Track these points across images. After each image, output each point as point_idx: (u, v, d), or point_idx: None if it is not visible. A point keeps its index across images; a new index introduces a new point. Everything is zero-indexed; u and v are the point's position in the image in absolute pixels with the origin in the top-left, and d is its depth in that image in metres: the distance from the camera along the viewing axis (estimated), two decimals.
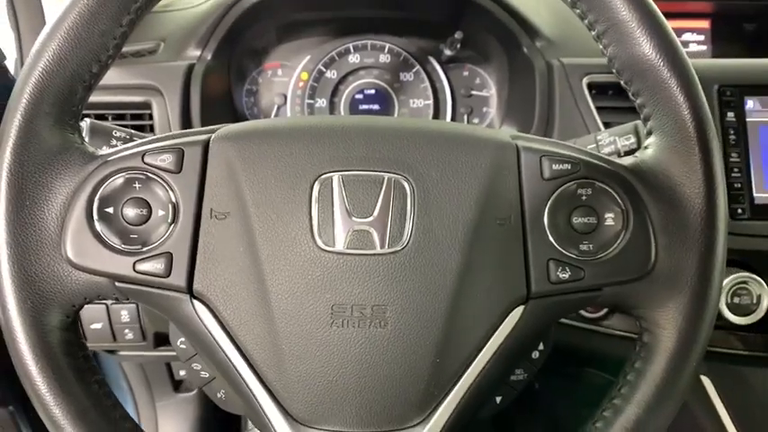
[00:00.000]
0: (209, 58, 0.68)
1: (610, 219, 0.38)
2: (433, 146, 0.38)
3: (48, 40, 0.36)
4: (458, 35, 0.72)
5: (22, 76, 0.36)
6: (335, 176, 0.36)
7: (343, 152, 0.37)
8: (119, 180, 0.37)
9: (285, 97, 0.78)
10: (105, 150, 0.38)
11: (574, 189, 0.38)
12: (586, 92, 0.64)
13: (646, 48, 0.38)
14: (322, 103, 0.77)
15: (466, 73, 0.79)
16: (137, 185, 0.37)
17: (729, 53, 0.87)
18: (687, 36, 0.89)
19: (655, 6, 0.39)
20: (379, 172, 0.37)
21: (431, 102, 0.77)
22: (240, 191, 0.36)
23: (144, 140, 0.39)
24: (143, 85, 0.66)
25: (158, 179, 0.37)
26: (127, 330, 0.65)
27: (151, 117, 0.66)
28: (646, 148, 0.40)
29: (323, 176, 0.36)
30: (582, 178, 0.39)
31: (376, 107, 0.79)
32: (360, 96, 0.78)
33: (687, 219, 0.38)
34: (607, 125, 0.63)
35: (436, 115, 0.78)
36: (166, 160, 0.37)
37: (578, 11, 0.40)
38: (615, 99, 0.64)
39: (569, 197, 0.38)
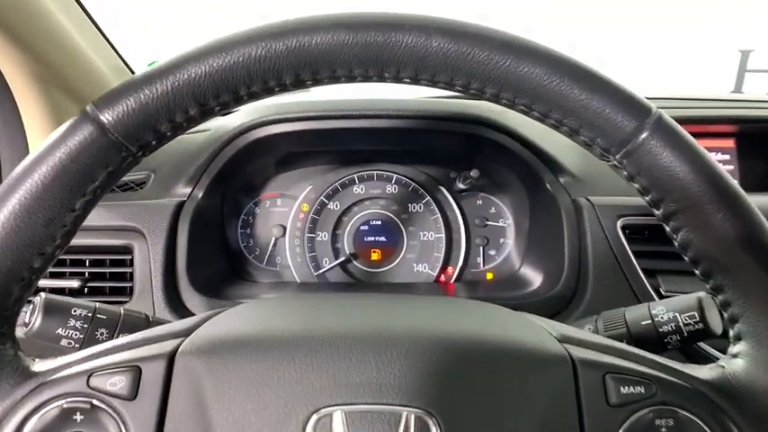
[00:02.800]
0: (200, 195, 0.62)
1: None
2: (464, 365, 0.30)
3: None
4: (474, 173, 0.66)
5: None
6: (337, 413, 0.28)
7: (348, 376, 0.29)
8: (55, 410, 0.28)
9: (284, 229, 0.71)
10: (43, 365, 0.30)
11: (650, 419, 0.29)
12: (621, 235, 0.57)
13: (730, 237, 0.30)
14: (323, 236, 0.71)
15: (480, 202, 0.73)
16: (78, 417, 0.28)
17: (756, 172, 0.82)
18: (713, 155, 0.84)
19: (733, 182, 0.32)
20: (395, 406, 0.28)
21: (442, 235, 0.70)
22: (210, 429, 0.28)
23: (93, 353, 0.31)
24: (125, 227, 0.59)
25: (106, 408, 0.28)
26: None
27: (132, 263, 0.59)
28: (734, 356, 0.32)
29: (320, 412, 0.28)
30: (660, 404, 0.30)
31: (383, 239, 0.72)
32: (365, 228, 0.72)
33: None
34: (646, 272, 0.56)
35: (449, 248, 0.71)
36: (117, 384, 0.29)
37: (637, 186, 0.33)
38: (652, 243, 0.57)
39: (645, 430, 0.29)
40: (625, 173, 0.33)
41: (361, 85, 0.39)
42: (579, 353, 0.31)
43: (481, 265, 0.72)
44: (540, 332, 0.33)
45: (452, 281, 0.71)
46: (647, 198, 0.32)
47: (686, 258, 0.32)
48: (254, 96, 0.31)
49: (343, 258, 0.70)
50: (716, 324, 0.41)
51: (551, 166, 0.62)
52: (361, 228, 0.72)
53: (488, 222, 0.73)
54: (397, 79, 0.32)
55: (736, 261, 0.30)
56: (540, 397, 0.29)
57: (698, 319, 0.41)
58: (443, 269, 0.71)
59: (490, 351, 0.30)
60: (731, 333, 0.32)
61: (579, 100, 0.31)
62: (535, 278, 0.64)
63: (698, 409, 0.30)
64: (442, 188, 0.72)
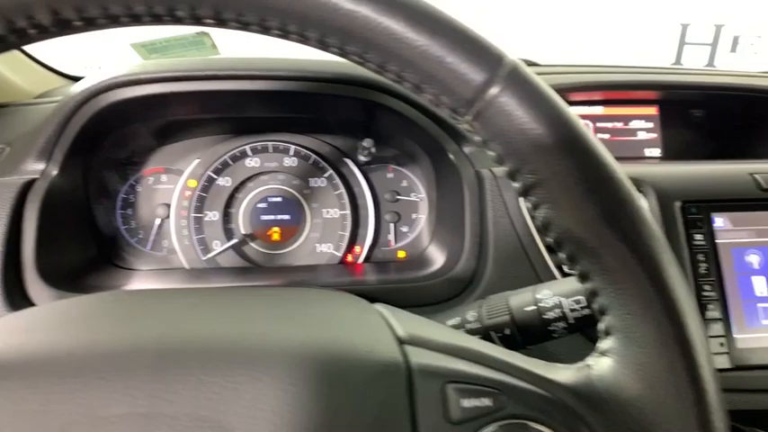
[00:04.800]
0: (54, 172, 0.53)
1: None
2: (269, 381, 0.24)
3: None
4: (366, 143, 0.60)
5: None
6: None
7: (105, 407, 0.22)
8: None
9: (169, 208, 0.63)
10: None
11: None
12: (523, 208, 0.52)
13: (596, 214, 0.26)
14: (213, 216, 0.63)
15: (390, 175, 0.67)
16: None
17: (678, 140, 0.79)
18: (636, 123, 0.81)
19: (602, 148, 0.27)
20: None
21: (347, 212, 0.64)
22: None
23: None
24: None
25: None
26: None
27: None
28: (603, 354, 0.28)
29: None
30: (509, 418, 0.25)
31: (286, 217, 0.65)
32: (263, 205, 0.65)
33: None
34: (550, 250, 0.52)
35: (355, 225, 0.65)
36: None
37: (493, 153, 0.28)
38: None
39: None
40: (478, 137, 0.27)
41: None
42: (420, 357, 0.26)
43: (392, 242, 0.67)
44: (382, 332, 0.28)
45: (360, 260, 0.66)
46: (505, 168, 0.27)
47: (549, 240, 0.27)
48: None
49: (235, 240, 0.63)
50: None
51: (454, 135, 0.56)
52: (259, 205, 0.65)
53: (400, 197, 0.67)
54: (193, 19, 0.25)
55: (603, 242, 0.25)
56: (367, 414, 0.24)
57: (584, 304, 0.37)
58: (350, 248, 0.65)
59: (308, 362, 0.25)
60: (601, 327, 0.28)
61: (417, 47, 0.25)
62: (439, 257, 0.59)
63: (553, 421, 0.25)
64: (347, 161, 0.65)
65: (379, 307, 0.32)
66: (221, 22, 0.26)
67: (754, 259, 0.51)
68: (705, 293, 0.49)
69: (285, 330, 0.28)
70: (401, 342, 0.28)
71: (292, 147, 0.64)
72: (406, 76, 0.27)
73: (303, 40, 0.27)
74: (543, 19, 2.26)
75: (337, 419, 0.24)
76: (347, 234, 0.64)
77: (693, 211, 0.51)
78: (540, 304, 0.38)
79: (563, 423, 0.26)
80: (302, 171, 0.64)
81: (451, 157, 0.56)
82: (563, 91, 0.74)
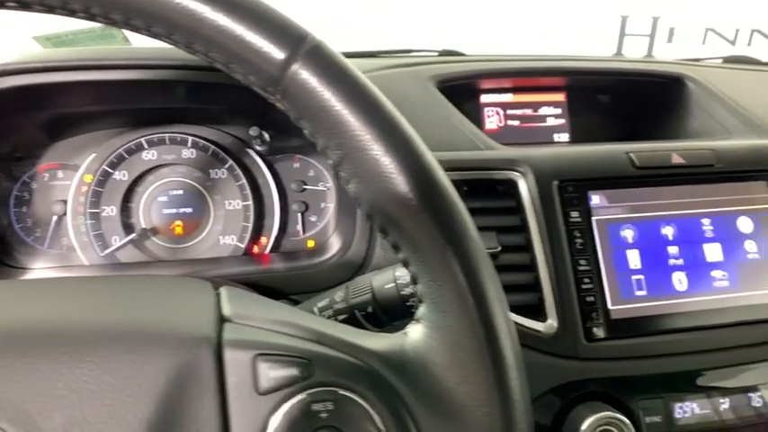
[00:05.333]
0: None
1: None
2: (62, 353, 0.24)
3: None
4: (253, 131, 0.60)
5: None
6: None
7: None
8: None
9: (66, 205, 0.62)
10: None
11: (307, 404, 0.25)
12: None
13: (398, 184, 0.26)
14: (111, 211, 0.62)
15: (297, 165, 0.67)
16: None
17: (586, 125, 0.82)
18: (544, 110, 0.84)
19: (401, 120, 0.28)
20: None
21: (250, 203, 0.64)
22: None
23: None
24: None
25: None
26: None
27: None
28: (417, 321, 0.29)
29: None
30: (318, 385, 0.26)
31: (188, 210, 0.65)
32: (164, 199, 0.64)
33: None
34: None
35: (260, 216, 0.65)
36: None
37: (306, 131, 0.28)
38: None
39: (302, 418, 0.25)
40: (291, 115, 0.28)
41: None
42: (234, 333, 0.26)
43: (301, 232, 0.67)
44: (205, 312, 0.28)
45: (267, 251, 0.66)
46: (318, 146, 0.28)
47: (362, 213, 0.28)
48: None
49: (134, 235, 0.62)
50: None
51: None
52: (160, 199, 0.64)
53: (307, 186, 0.67)
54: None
55: (406, 213, 0.26)
56: (172, 388, 0.24)
57: None
58: (255, 240, 0.65)
59: (109, 340, 0.25)
60: (416, 295, 0.29)
61: (218, 27, 0.26)
62: (337, 243, 0.60)
63: (362, 388, 0.26)
64: (250, 151, 0.65)
65: (225, 290, 0.32)
66: (26, 6, 0.26)
67: (628, 234, 0.53)
68: (581, 267, 0.51)
69: (103, 314, 0.28)
70: (223, 320, 0.28)
71: (190, 138, 0.63)
72: (213, 56, 0.27)
73: (110, 22, 0.26)
74: (484, 12, 2.29)
75: (140, 393, 0.24)
76: (250, 225, 0.64)
77: (570, 189, 0.53)
78: (398, 281, 0.39)
79: (371, 389, 0.26)
80: (202, 163, 0.64)
81: None
82: (474, 78, 0.76)
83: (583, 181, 0.53)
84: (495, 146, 0.58)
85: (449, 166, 0.54)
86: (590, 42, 2.54)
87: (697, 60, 1.12)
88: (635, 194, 0.54)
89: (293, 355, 0.26)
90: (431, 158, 0.27)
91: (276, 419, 0.25)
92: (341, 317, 0.41)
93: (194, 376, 0.25)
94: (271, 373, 0.26)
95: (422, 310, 0.28)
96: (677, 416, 0.50)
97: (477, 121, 0.81)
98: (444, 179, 0.27)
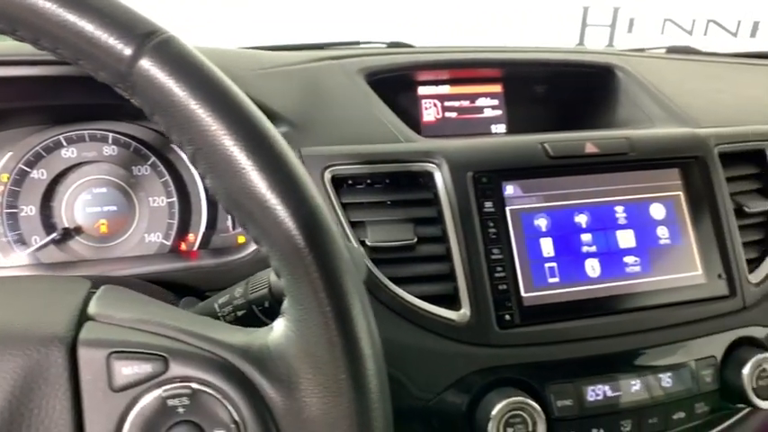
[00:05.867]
0: None
1: None
2: None
3: None
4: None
5: None
6: None
7: None
8: None
9: None
10: None
11: (162, 400, 0.26)
12: (329, 187, 0.53)
13: (249, 178, 0.26)
14: (30, 211, 0.61)
15: None
16: None
17: (523, 115, 0.83)
18: (482, 101, 0.84)
19: (251, 110, 0.28)
20: None
21: (174, 199, 0.64)
22: None
23: None
24: None
25: None
26: None
27: None
28: (281, 315, 0.29)
29: None
30: (172, 382, 0.26)
31: (112, 208, 0.64)
32: (88, 197, 0.63)
33: None
34: (356, 225, 0.53)
35: (186, 215, 0.64)
36: None
37: (163, 128, 0.28)
38: (367, 193, 0.55)
39: (158, 414, 0.25)
40: (145, 111, 0.28)
41: None
42: (91, 332, 0.26)
43: (230, 228, 0.67)
44: (67, 311, 0.28)
45: (196, 248, 0.65)
46: (173, 141, 0.28)
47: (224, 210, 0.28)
48: None
49: (55, 235, 0.61)
50: None
51: (268, 116, 0.56)
52: (83, 197, 0.63)
53: None
54: None
55: (260, 206, 0.26)
56: (24, 386, 0.24)
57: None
58: (183, 237, 0.65)
59: None
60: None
61: (63, 22, 0.25)
62: None
63: (217, 381, 0.26)
64: (174, 146, 0.64)
65: (102, 289, 0.32)
66: None
67: (542, 222, 0.54)
68: (494, 257, 0.52)
69: None
70: (85, 319, 0.28)
71: (111, 134, 0.62)
72: (61, 52, 0.27)
73: None
74: (445, 2, 2.29)
75: None
76: (176, 222, 0.63)
77: (484, 180, 0.54)
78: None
79: (228, 382, 0.27)
80: (124, 159, 0.63)
81: None
82: (405, 70, 0.76)
83: (497, 172, 0.54)
84: (414, 138, 0.58)
85: (366, 159, 0.55)
86: (553, 33, 2.56)
87: (640, 50, 1.14)
88: (549, 184, 0.55)
89: (148, 351, 0.26)
90: (284, 149, 0.27)
91: (132, 416, 0.25)
92: (240, 312, 0.41)
93: (44, 376, 0.25)
94: (125, 371, 0.26)
95: (284, 304, 0.28)
96: (589, 398, 0.52)
97: (415, 113, 0.82)
98: (299, 170, 0.28)
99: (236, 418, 0.26)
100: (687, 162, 0.59)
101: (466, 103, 0.84)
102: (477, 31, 2.42)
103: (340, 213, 0.52)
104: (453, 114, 0.83)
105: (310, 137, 0.56)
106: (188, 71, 0.26)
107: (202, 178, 0.28)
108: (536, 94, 0.85)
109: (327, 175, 0.53)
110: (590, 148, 0.57)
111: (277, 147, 0.27)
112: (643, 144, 0.58)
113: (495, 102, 0.84)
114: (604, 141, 0.57)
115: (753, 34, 2.46)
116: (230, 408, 0.26)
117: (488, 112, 0.84)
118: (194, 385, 0.26)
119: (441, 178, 0.54)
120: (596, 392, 0.52)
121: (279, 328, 0.28)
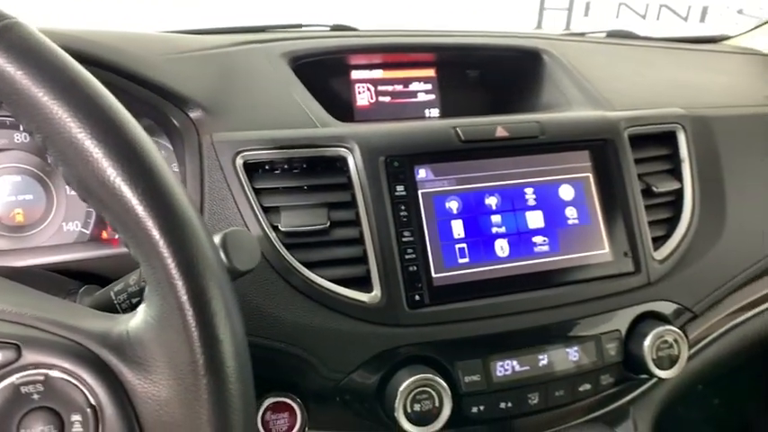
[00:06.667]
0: None
1: (78, 424, 0.26)
2: None
3: None
4: None
5: None
6: None
7: None
8: None
9: None
10: None
11: (16, 387, 0.26)
12: (241, 173, 0.53)
13: (98, 164, 0.27)
14: None
15: None
16: None
17: (456, 100, 0.84)
18: (415, 85, 0.85)
19: (105, 101, 0.28)
20: None
21: None
22: None
23: None
24: None
25: None
26: None
27: None
28: (144, 301, 0.29)
29: None
30: (26, 369, 0.26)
31: (28, 197, 0.62)
32: (2, 186, 0.61)
33: None
34: (269, 210, 0.54)
35: None
36: None
37: (12, 117, 0.28)
38: (281, 178, 0.55)
39: (12, 401, 0.26)
40: None
41: None
42: None
43: None
44: None
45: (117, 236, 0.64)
46: (24, 130, 0.28)
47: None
48: None
49: None
50: (242, 260, 0.38)
51: (176, 101, 0.56)
52: None
53: None
54: None
55: (112, 195, 0.27)
56: None
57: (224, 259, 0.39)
58: (103, 224, 0.64)
59: None
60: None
61: None
62: None
63: (72, 366, 0.26)
64: None
65: None
66: None
67: (453, 205, 0.56)
68: (405, 239, 0.53)
69: None
70: None
71: None
72: None
73: None
74: None
75: None
76: (94, 210, 0.62)
77: (396, 164, 0.54)
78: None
79: (84, 368, 0.27)
80: (38, 147, 0.61)
81: (176, 124, 0.56)
82: (332, 54, 0.75)
83: (409, 156, 0.55)
84: (330, 123, 0.58)
85: (278, 144, 0.55)
86: (511, 17, 2.58)
87: (581, 35, 1.16)
88: (461, 167, 0.57)
89: (2, 339, 0.26)
90: (135, 135, 0.28)
91: None
92: (135, 299, 0.41)
93: None
94: None
95: (146, 290, 0.29)
96: (497, 374, 0.54)
97: (349, 98, 0.82)
98: (151, 156, 0.28)
99: (93, 401, 0.27)
100: (597, 144, 0.61)
101: (399, 88, 0.84)
102: (437, 16, 2.42)
103: (252, 199, 0.53)
104: (387, 99, 0.84)
105: (223, 122, 0.56)
106: (31, 57, 0.26)
107: (56, 166, 0.28)
108: (469, 79, 0.86)
109: (239, 161, 0.53)
110: (501, 132, 0.58)
111: (127, 132, 0.27)
112: (553, 127, 0.60)
113: (429, 86, 0.85)
114: (515, 125, 0.59)
115: (702, 19, 2.53)
116: (86, 392, 0.27)
117: (422, 97, 0.85)
118: (49, 371, 0.26)
119: (353, 163, 0.54)
120: (504, 367, 0.54)
121: (139, 314, 0.29)
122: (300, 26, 0.89)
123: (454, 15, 2.41)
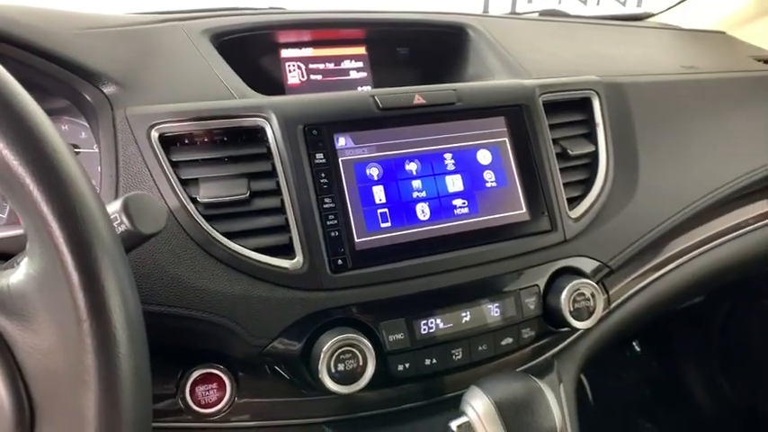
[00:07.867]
0: None
1: None
2: None
3: None
4: None
5: None
6: None
7: None
8: None
9: None
10: None
11: None
12: (156, 146, 0.53)
13: None
14: None
15: (65, 127, 0.64)
16: None
17: (388, 78, 0.86)
18: (346, 63, 0.86)
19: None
20: None
21: None
22: None
23: None
24: None
25: None
26: None
27: None
28: (25, 254, 0.29)
29: None
30: None
31: None
32: None
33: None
34: (188, 182, 0.54)
35: None
36: None
37: None
38: (199, 151, 0.55)
39: None
40: None
41: None
42: None
43: None
44: None
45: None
46: None
47: None
48: None
49: None
50: (146, 223, 0.39)
51: (88, 76, 0.55)
52: None
53: (80, 150, 0.65)
54: None
55: None
56: None
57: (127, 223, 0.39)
58: None
59: None
60: None
61: None
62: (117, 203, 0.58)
63: None
64: None
65: None
66: None
67: (374, 171, 0.57)
68: (326, 205, 0.54)
69: None
70: None
71: None
72: None
73: None
74: None
75: None
76: None
77: (315, 133, 0.55)
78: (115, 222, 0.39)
79: None
80: None
81: (90, 100, 0.55)
82: (254, 31, 0.75)
83: (327, 124, 0.56)
84: (248, 94, 0.59)
85: (194, 117, 0.55)
86: (458, 3, 2.61)
87: (516, 14, 1.19)
88: (380, 135, 0.58)
89: None
90: (23, 104, 0.28)
91: None
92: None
93: None
94: None
95: (27, 245, 0.29)
96: (421, 332, 0.56)
97: (280, 76, 0.82)
98: (36, 119, 0.28)
99: None
100: (512, 110, 0.63)
101: (331, 66, 0.85)
102: (382, 3, 2.43)
103: (169, 171, 0.52)
104: (318, 77, 0.84)
105: (139, 97, 0.56)
106: None
107: None
108: (399, 56, 0.87)
109: (154, 134, 0.53)
110: (418, 100, 0.60)
111: (14, 104, 0.27)
112: (469, 94, 0.62)
113: (360, 64, 0.86)
114: (432, 93, 0.61)
115: (639, 4, 2.63)
116: None
117: (354, 75, 0.86)
118: None
119: (272, 133, 0.55)
120: (428, 325, 0.56)
121: (21, 269, 0.29)
122: (236, 9, 0.89)
123: (400, 2, 2.43)
